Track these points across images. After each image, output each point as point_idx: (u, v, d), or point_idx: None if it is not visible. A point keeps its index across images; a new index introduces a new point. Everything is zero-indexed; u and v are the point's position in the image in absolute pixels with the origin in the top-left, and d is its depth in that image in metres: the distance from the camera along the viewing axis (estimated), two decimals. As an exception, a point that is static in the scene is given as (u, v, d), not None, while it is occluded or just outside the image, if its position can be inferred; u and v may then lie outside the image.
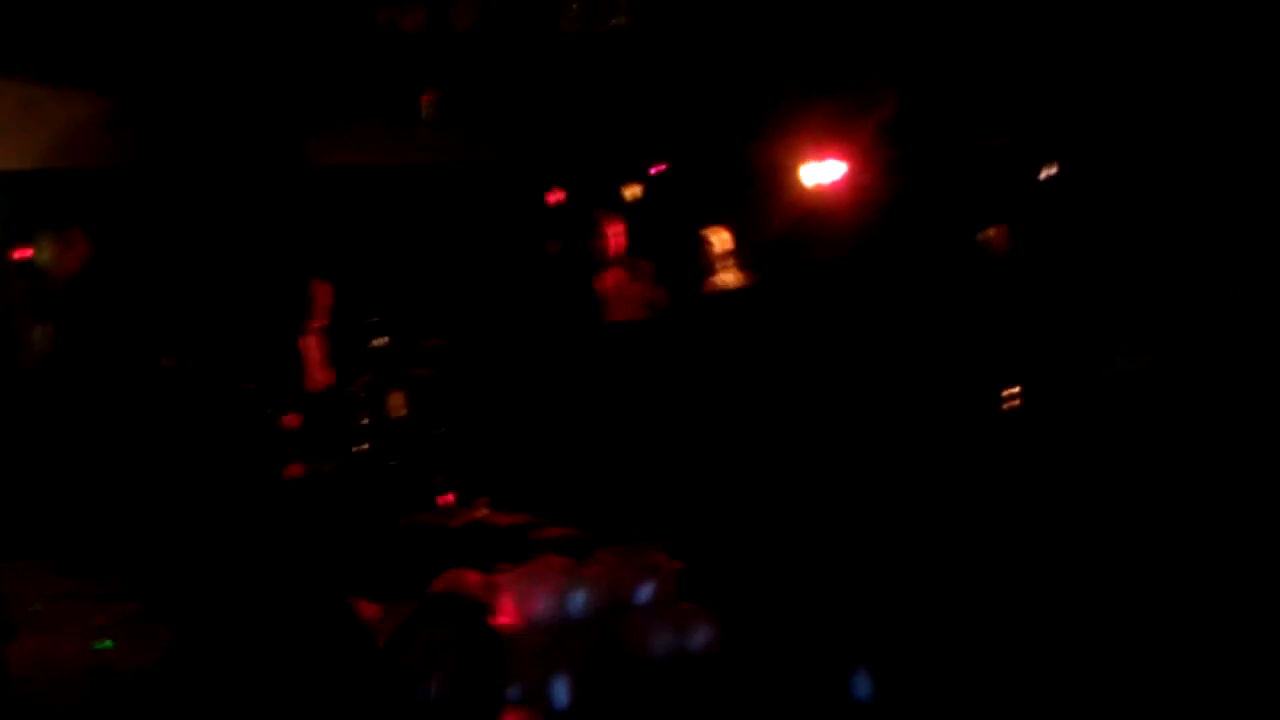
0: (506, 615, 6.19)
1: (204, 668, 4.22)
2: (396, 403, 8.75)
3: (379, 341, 8.90)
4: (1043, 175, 8.78)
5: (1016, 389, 7.89)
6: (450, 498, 8.50)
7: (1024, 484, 7.05)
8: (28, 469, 7.69)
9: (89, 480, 7.62)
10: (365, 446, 8.57)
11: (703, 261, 8.72)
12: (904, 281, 8.50)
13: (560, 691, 5.31)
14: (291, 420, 8.56)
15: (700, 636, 5.86)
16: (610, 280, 8.67)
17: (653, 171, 9.77)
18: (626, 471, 8.14)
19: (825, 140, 9.07)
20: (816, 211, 9.01)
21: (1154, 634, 4.92)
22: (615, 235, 8.67)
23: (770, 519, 7.42)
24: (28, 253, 8.18)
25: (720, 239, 8.71)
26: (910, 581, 6.42)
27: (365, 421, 8.61)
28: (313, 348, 8.80)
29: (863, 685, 5.31)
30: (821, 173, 9.09)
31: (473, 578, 6.43)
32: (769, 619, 6.34)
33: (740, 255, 8.79)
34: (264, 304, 8.93)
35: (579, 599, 6.31)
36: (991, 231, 8.59)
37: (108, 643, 5.70)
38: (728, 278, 8.71)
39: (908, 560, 6.70)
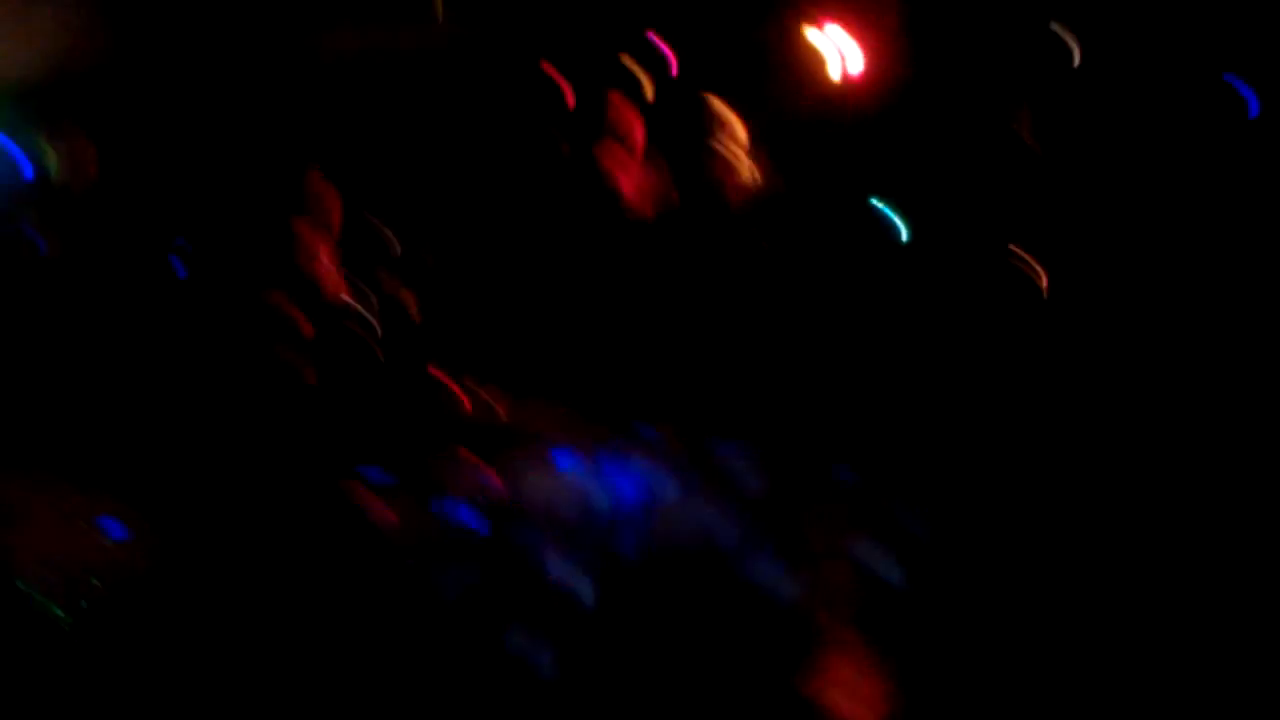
0: (524, 508, 6.10)
1: (206, 567, 4.11)
2: (407, 301, 8.63)
3: (388, 241, 8.76)
4: (1074, 62, 8.52)
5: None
6: (462, 392, 8.42)
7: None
8: (33, 374, 7.59)
9: (94, 384, 7.53)
10: (374, 343, 8.46)
11: (714, 146, 8.55)
12: (927, 173, 8.32)
13: (584, 586, 5.20)
14: (297, 316, 8.45)
15: (725, 528, 5.73)
16: (623, 174, 8.50)
17: (667, 62, 9.54)
18: (644, 364, 8.03)
19: (844, 25, 8.84)
20: (835, 100, 8.79)
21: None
22: (628, 124, 8.50)
23: (787, 411, 7.30)
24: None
25: (732, 123, 8.53)
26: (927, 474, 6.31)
27: (375, 321, 8.50)
28: (320, 249, 8.67)
29: (891, 571, 5.19)
30: (840, 59, 8.85)
31: (487, 471, 6.33)
32: (790, 510, 6.23)
33: (755, 146, 8.61)
34: (270, 205, 8.80)
35: (599, 492, 6.21)
36: (1021, 111, 8.35)
37: (109, 539, 5.62)
38: (739, 164, 8.53)
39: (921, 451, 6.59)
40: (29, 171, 8.13)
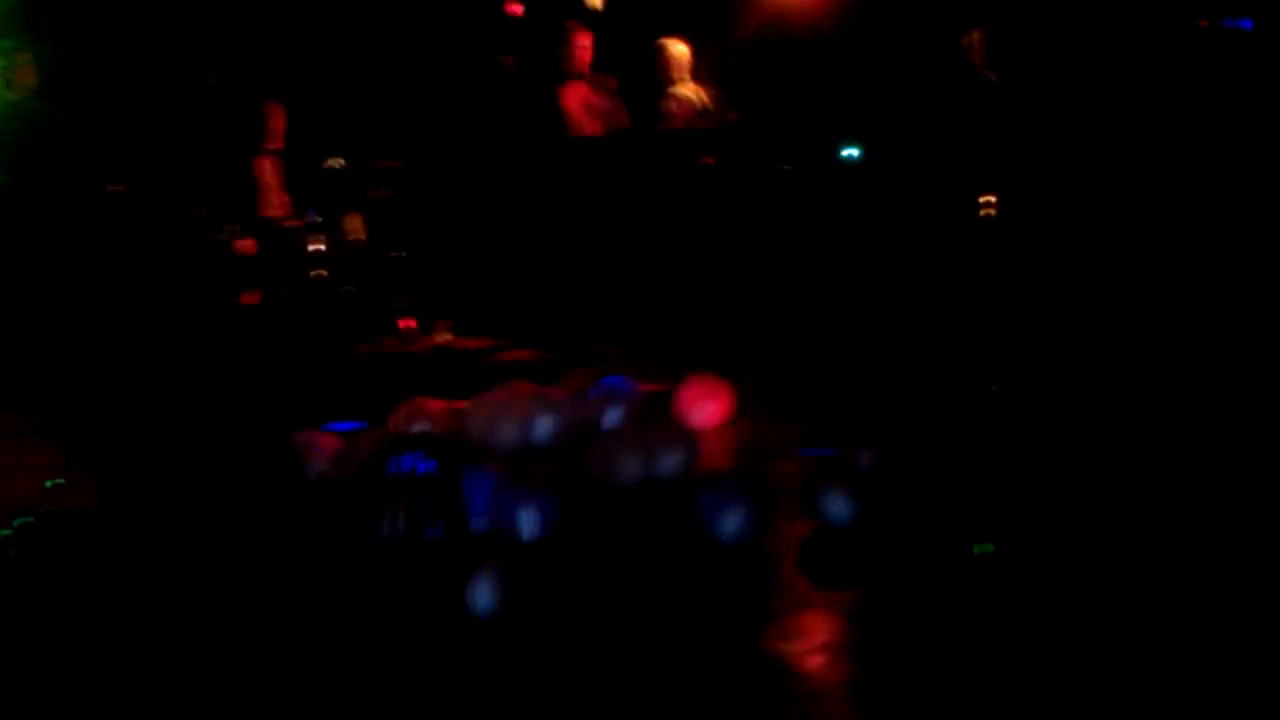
0: (471, 444, 6.02)
1: (142, 510, 4.01)
2: (354, 226, 8.52)
3: (334, 163, 8.62)
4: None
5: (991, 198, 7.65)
6: (412, 322, 8.32)
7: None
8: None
9: (34, 311, 7.38)
10: (323, 272, 8.36)
11: (660, 74, 8.42)
12: (880, 96, 8.20)
13: (527, 522, 5.12)
14: (247, 246, 8.34)
15: (670, 461, 5.65)
16: (575, 95, 8.37)
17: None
18: (592, 291, 7.94)
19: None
20: (785, 19, 8.65)
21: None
22: (581, 48, 8.38)
23: (738, 337, 7.24)
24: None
25: (677, 50, 8.41)
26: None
27: (322, 246, 8.39)
28: (267, 171, 8.53)
29: (838, 506, 5.14)
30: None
31: (435, 406, 6.24)
32: (735, 442, 6.17)
33: (704, 66, 8.49)
34: (216, 126, 8.63)
35: (545, 425, 6.12)
36: (974, 36, 8.24)
37: (59, 480, 5.52)
38: (686, 91, 8.41)
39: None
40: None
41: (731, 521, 5.04)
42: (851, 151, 7.93)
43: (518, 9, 9.24)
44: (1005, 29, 8.19)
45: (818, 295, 7.46)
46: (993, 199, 7.52)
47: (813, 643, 4.36)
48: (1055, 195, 7.37)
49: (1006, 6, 8.21)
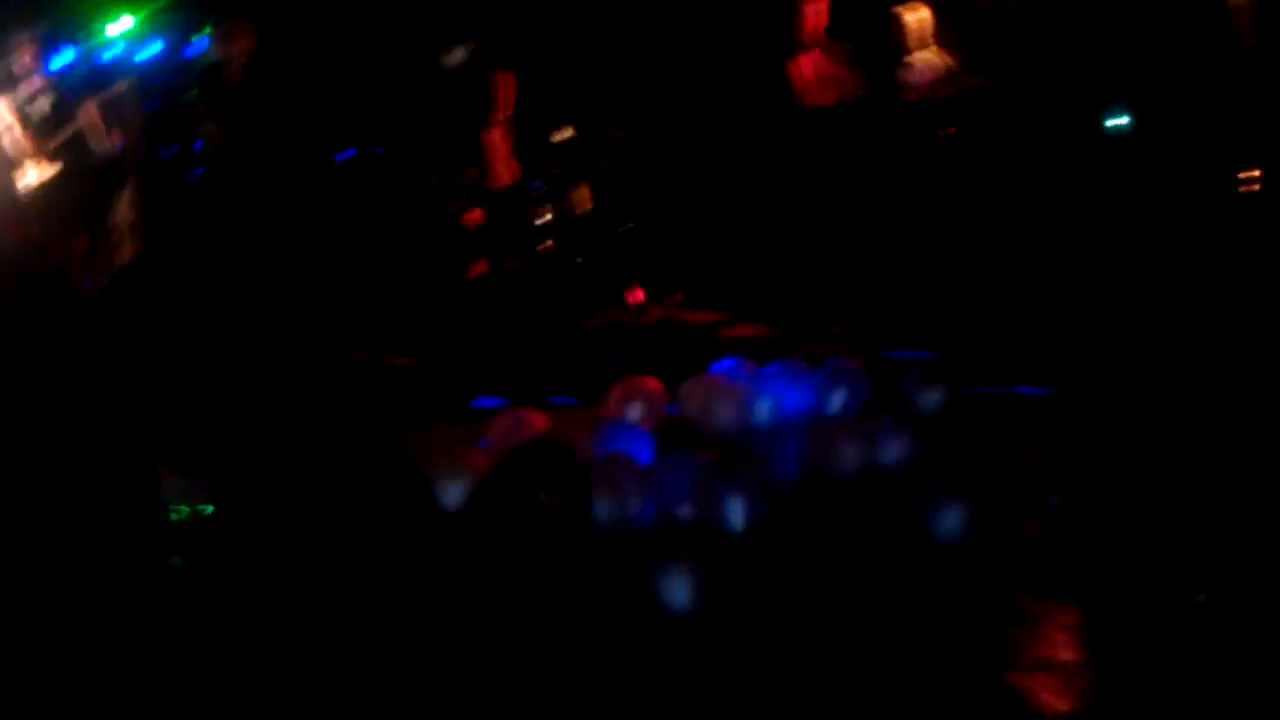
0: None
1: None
2: (582, 197, 8.39)
3: (563, 133, 8.50)
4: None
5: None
6: (640, 295, 8.16)
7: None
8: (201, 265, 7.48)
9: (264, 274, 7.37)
10: (550, 243, 8.25)
11: (899, 40, 8.03)
12: (1137, 61, 7.68)
13: (735, 511, 4.87)
14: (475, 216, 8.29)
15: (894, 449, 5.34)
16: (807, 63, 8.07)
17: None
18: (826, 266, 7.64)
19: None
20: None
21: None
22: (814, 15, 8.06)
23: (973, 320, 6.86)
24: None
25: (918, 17, 8.00)
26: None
27: (550, 217, 8.29)
28: (496, 141, 8.45)
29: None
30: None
31: (652, 384, 6.05)
32: (965, 428, 5.79)
33: (945, 32, 8.07)
34: (446, 96, 8.59)
35: (763, 408, 5.86)
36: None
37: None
38: (928, 56, 8.00)
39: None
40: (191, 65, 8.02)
41: (951, 518, 4.71)
42: (1114, 120, 7.45)
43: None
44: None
45: (1066, 273, 7.01)
46: (1257, 173, 6.94)
47: (1038, 661, 3.98)
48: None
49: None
